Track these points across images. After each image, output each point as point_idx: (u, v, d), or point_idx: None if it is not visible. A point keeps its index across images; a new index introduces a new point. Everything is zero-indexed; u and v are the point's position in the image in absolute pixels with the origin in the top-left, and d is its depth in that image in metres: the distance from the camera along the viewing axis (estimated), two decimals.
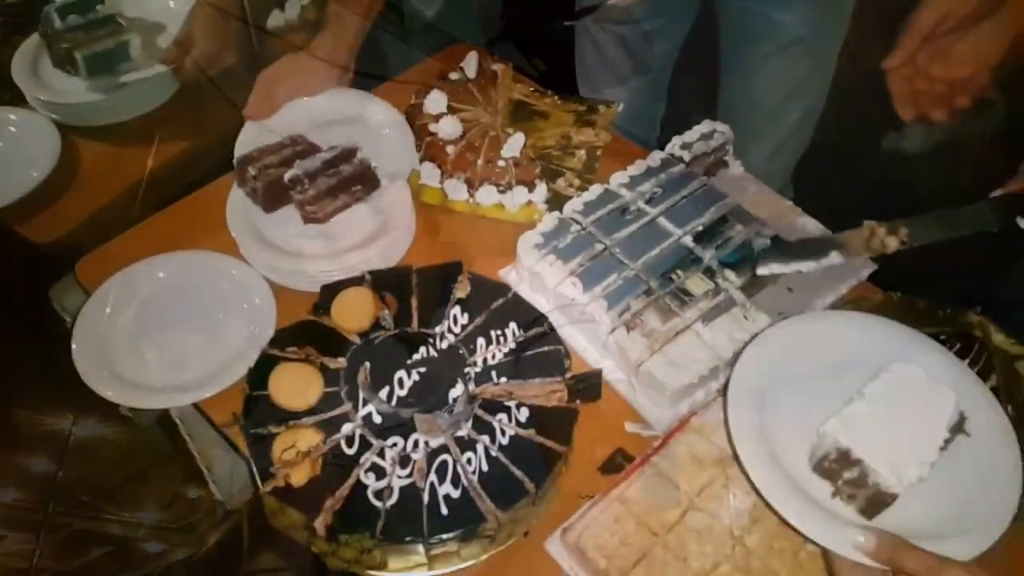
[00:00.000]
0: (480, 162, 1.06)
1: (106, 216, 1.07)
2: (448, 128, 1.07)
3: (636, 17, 1.33)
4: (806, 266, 0.88)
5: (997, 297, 1.02)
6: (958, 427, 0.73)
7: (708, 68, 1.46)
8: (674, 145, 1.11)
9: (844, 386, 0.75)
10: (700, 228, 1.00)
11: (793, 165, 1.73)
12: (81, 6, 1.15)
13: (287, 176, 0.96)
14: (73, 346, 0.89)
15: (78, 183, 1.11)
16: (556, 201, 1.07)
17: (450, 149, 1.06)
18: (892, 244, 0.85)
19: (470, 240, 1.05)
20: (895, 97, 0.94)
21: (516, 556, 0.80)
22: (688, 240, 0.99)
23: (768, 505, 0.71)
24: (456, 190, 1.06)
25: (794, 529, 0.70)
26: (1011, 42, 0.88)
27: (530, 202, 1.06)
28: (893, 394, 0.73)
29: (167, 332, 0.93)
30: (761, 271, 0.91)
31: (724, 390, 0.79)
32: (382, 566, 0.76)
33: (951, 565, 0.63)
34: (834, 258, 0.87)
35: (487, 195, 1.05)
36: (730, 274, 0.96)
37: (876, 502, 0.71)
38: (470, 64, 1.15)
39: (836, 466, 0.72)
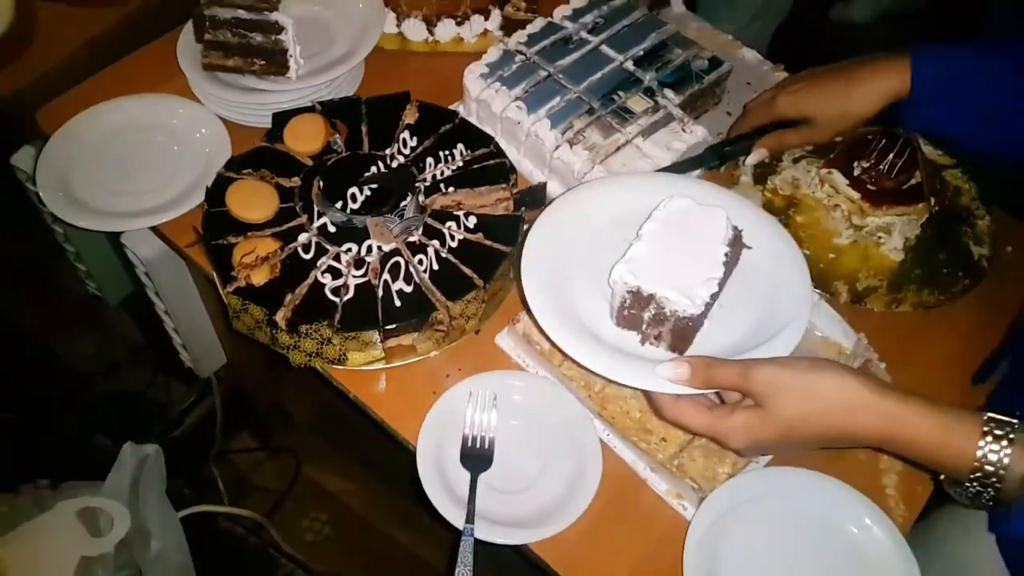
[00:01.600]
0: None
1: (65, 70, 1.09)
2: None
3: None
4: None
5: None
6: (736, 240, 0.74)
7: None
8: None
9: (625, 237, 0.74)
10: (641, 53, 1.04)
11: (770, 33, 1.75)
12: None
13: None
14: (37, 180, 0.92)
15: (36, 41, 1.12)
16: (509, 28, 1.09)
17: None
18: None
19: (424, 79, 1.07)
20: None
21: (469, 350, 0.86)
22: (629, 64, 1.03)
23: (585, 368, 0.70)
24: (415, 29, 1.09)
25: (614, 382, 0.72)
26: None
27: (486, 31, 1.09)
28: (667, 227, 0.73)
29: (126, 167, 0.96)
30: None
31: (518, 275, 0.76)
32: (342, 360, 0.82)
33: (756, 364, 0.64)
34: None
35: (445, 30, 1.08)
36: (669, 92, 1.00)
37: (681, 333, 0.71)
38: None
39: (634, 311, 0.72)
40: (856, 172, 0.93)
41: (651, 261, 0.71)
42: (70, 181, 0.95)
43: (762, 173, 1.00)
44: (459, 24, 1.07)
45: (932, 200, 0.93)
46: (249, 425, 1.60)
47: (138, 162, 0.97)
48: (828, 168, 0.95)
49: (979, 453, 0.59)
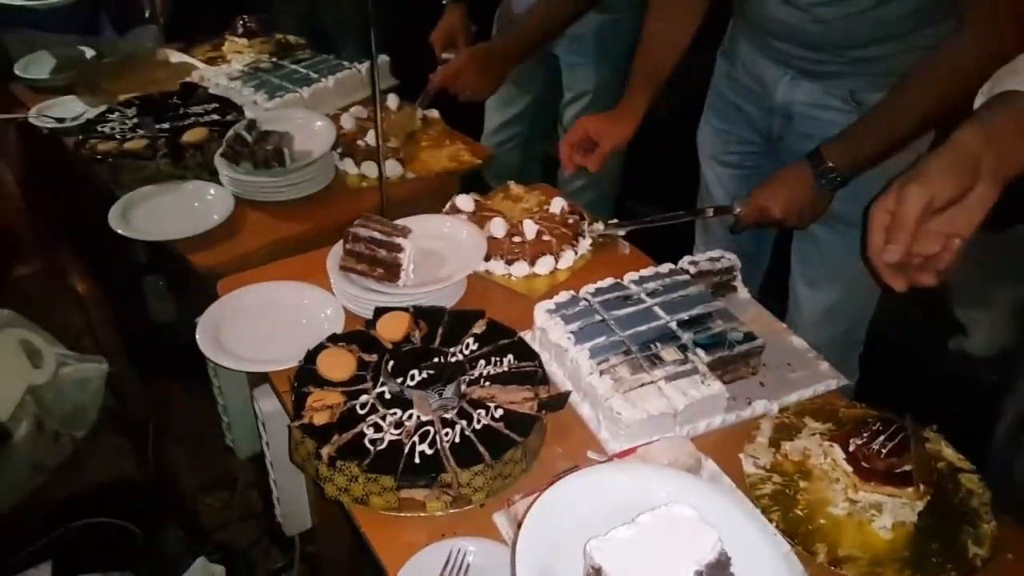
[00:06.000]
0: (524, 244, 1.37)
1: (250, 257, 1.45)
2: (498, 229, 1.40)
3: None
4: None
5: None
6: (720, 565, 0.77)
7: None
8: (683, 261, 1.35)
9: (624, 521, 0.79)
10: (686, 317, 1.22)
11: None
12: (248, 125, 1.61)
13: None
14: (198, 325, 1.23)
15: (239, 233, 1.51)
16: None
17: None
18: None
19: (511, 308, 1.32)
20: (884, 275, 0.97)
21: (470, 519, 0.99)
22: (673, 324, 1.21)
23: None
24: (496, 266, 1.38)
25: None
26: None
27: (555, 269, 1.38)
28: (658, 526, 0.77)
29: (263, 330, 1.25)
30: None
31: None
32: (364, 501, 0.99)
33: None
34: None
35: (519, 268, 1.36)
36: (700, 352, 1.16)
37: None
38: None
39: None
40: (851, 448, 1.02)
41: (626, 549, 0.76)
42: (220, 332, 1.24)
43: (777, 438, 1.11)
44: (531, 264, 1.34)
45: (922, 488, 0.99)
46: None
47: (273, 327, 1.26)
48: (831, 442, 1.05)
49: None
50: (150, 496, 1.75)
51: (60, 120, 1.79)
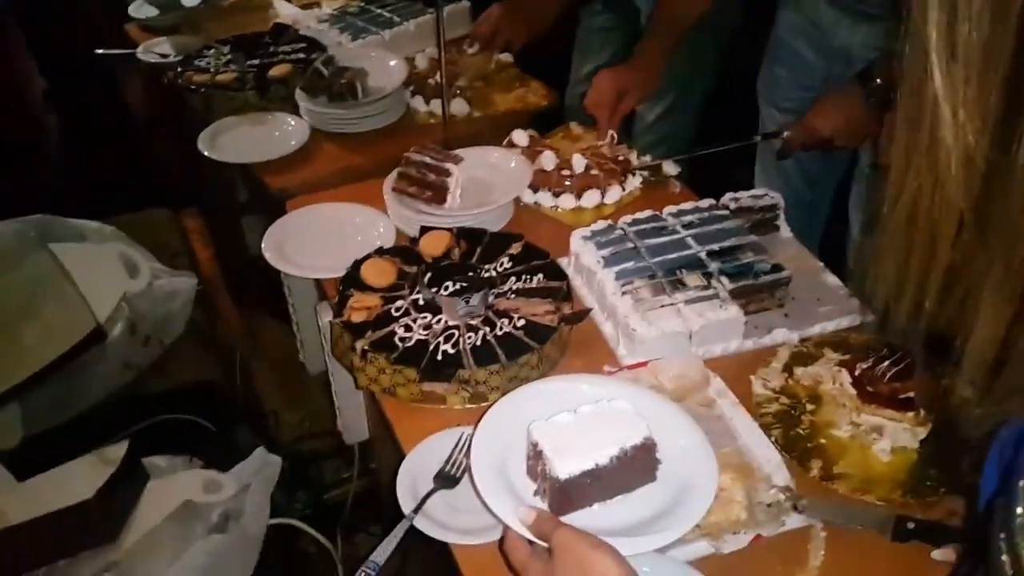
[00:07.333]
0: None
1: (320, 181, 1.57)
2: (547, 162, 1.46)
3: None
4: None
5: None
6: (645, 447, 0.84)
7: None
8: (726, 197, 1.38)
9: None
10: (716, 248, 1.26)
11: None
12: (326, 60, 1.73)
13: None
14: (265, 235, 1.36)
15: (311, 161, 1.63)
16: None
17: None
18: None
19: (552, 234, 1.38)
20: None
21: None
22: (702, 254, 1.25)
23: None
24: (544, 198, 1.44)
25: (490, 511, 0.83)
26: None
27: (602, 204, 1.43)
28: (596, 416, 0.85)
29: (322, 242, 1.37)
30: None
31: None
32: (392, 391, 1.09)
33: (566, 527, 0.74)
34: None
35: (566, 200, 1.42)
36: (724, 279, 1.20)
37: (556, 495, 0.82)
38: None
39: (533, 462, 0.85)
40: (856, 372, 1.05)
41: (562, 431, 0.84)
42: (284, 244, 1.37)
43: (792, 364, 1.14)
44: (577, 198, 1.39)
45: (922, 413, 1.00)
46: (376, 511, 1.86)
47: (330, 242, 1.37)
48: (839, 367, 1.08)
49: None
50: (229, 402, 1.92)
51: (164, 56, 1.96)
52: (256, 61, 1.86)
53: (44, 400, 1.44)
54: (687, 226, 1.31)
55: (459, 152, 1.43)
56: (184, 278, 1.78)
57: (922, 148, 0.41)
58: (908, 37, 0.40)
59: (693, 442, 0.89)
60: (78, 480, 1.15)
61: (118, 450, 1.23)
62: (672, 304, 1.17)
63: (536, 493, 0.87)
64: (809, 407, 1.08)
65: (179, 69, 1.83)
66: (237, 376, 2.09)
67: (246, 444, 1.73)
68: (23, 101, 2.93)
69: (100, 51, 2.10)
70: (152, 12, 2.14)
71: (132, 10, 2.16)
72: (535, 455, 0.85)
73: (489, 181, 1.44)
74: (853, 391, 1.04)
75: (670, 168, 1.54)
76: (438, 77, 1.76)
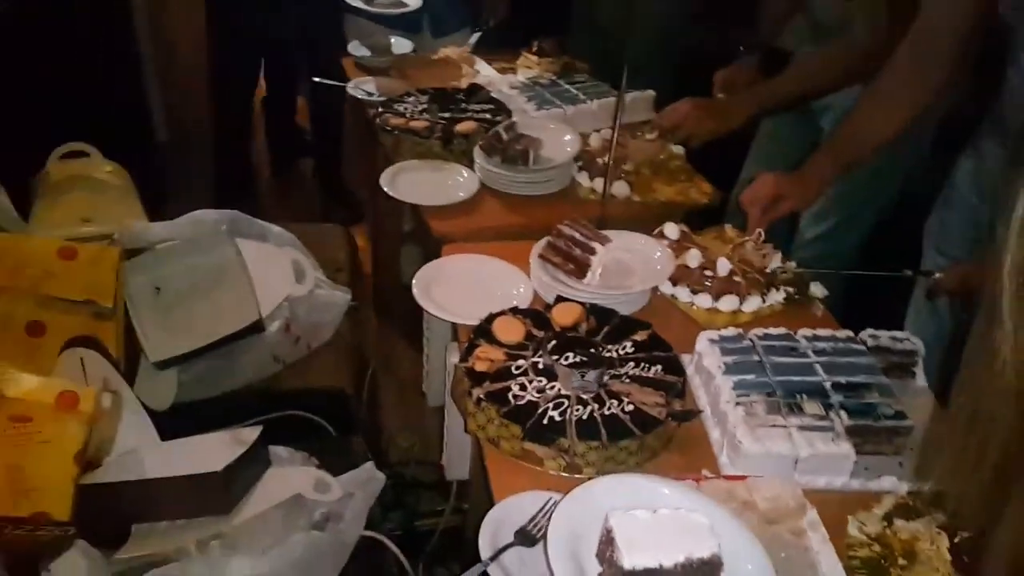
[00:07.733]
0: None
1: (477, 234, 1.69)
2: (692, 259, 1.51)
3: None
4: None
5: None
6: (711, 563, 0.87)
7: None
8: (864, 333, 1.37)
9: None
10: (843, 382, 1.25)
11: None
12: (508, 126, 1.85)
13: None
14: (417, 273, 1.48)
15: (474, 212, 1.76)
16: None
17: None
18: None
19: (684, 330, 1.42)
20: None
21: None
22: (827, 384, 1.25)
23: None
24: (682, 293, 1.48)
25: None
26: None
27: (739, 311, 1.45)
28: (675, 520, 0.89)
29: (463, 290, 1.48)
30: None
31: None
32: (495, 443, 1.16)
33: None
34: None
35: (702, 300, 1.45)
36: (843, 414, 1.19)
37: None
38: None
39: (604, 546, 0.89)
40: (956, 539, 1.01)
41: (638, 525, 0.88)
42: (431, 285, 1.48)
43: (893, 515, 1.11)
44: (715, 299, 1.42)
45: None
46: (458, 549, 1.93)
47: (473, 292, 1.47)
48: (941, 530, 1.05)
49: None
50: (353, 412, 2.06)
51: (369, 94, 2.17)
52: (447, 114, 2.03)
53: (199, 373, 1.61)
54: (819, 352, 1.31)
55: (608, 233, 1.50)
56: (341, 293, 1.94)
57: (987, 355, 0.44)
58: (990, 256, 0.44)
59: (761, 572, 0.91)
60: (212, 452, 1.28)
61: (251, 433, 1.37)
62: (785, 427, 1.17)
63: None
64: (901, 561, 1.05)
65: (380, 109, 2.03)
66: (364, 390, 2.24)
67: (358, 455, 1.85)
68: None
69: (316, 79, 2.36)
70: (366, 52, 2.37)
71: (351, 48, 2.41)
72: (607, 540, 0.89)
73: (631, 266, 1.50)
74: (948, 557, 1.01)
75: (817, 290, 1.54)
76: (607, 157, 1.86)
